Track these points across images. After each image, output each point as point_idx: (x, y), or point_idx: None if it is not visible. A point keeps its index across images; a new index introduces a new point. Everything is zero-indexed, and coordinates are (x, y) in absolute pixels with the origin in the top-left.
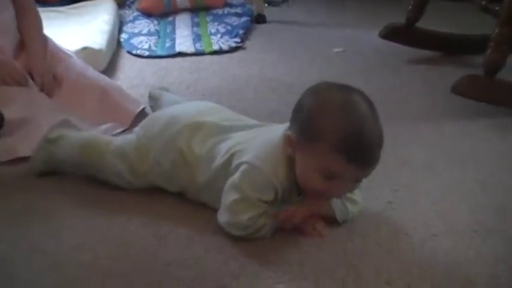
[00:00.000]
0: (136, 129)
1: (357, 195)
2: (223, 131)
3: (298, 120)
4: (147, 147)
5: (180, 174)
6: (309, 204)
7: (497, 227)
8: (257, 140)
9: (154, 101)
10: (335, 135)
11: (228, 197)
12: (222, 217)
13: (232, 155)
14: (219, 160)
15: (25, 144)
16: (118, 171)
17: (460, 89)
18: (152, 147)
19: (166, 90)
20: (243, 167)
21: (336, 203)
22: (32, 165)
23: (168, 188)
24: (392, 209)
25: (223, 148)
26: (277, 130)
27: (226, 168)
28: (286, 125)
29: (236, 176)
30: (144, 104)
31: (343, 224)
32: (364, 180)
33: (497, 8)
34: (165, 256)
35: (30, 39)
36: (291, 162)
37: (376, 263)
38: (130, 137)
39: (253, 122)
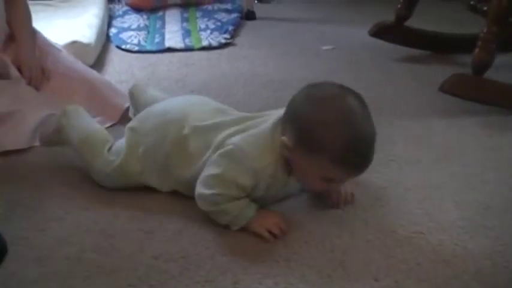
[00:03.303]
0: (129, 126)
1: None
2: (215, 124)
3: (295, 128)
4: (137, 144)
5: (173, 168)
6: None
7: (484, 223)
8: (249, 131)
9: (133, 99)
10: (335, 149)
11: (207, 171)
12: (198, 187)
13: (221, 146)
14: (208, 154)
15: (12, 138)
16: (109, 172)
17: (448, 88)
18: (144, 143)
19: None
20: (229, 147)
21: None
22: (41, 135)
23: (160, 187)
24: (380, 205)
25: (214, 141)
26: (267, 121)
27: None
28: (276, 115)
29: (220, 153)
30: None
31: (331, 220)
32: None
33: (485, 7)
34: (152, 250)
35: (19, 33)
36: (280, 154)
37: (364, 259)
38: (122, 140)
39: (244, 114)
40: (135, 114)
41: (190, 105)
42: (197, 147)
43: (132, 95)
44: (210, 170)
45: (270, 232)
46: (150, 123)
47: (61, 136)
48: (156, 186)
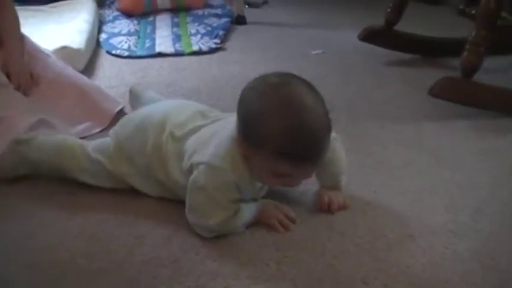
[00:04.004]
0: (112, 130)
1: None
2: (191, 130)
3: (239, 122)
4: (121, 148)
5: (155, 172)
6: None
7: (474, 226)
8: (216, 135)
9: (134, 97)
10: (276, 142)
11: (194, 197)
12: (191, 217)
13: (194, 153)
14: (186, 160)
15: (1, 144)
16: (95, 173)
17: (437, 91)
18: (125, 147)
19: (147, 89)
20: (202, 167)
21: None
22: (0, 169)
23: (149, 192)
24: (370, 209)
25: (190, 145)
26: (233, 123)
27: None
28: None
29: (197, 177)
30: (123, 103)
31: (322, 224)
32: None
33: (473, 11)
34: (142, 255)
35: (7, 38)
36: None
37: (354, 262)
38: (105, 139)
39: (223, 115)
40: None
41: (170, 110)
42: (173, 154)
43: (133, 94)
44: (197, 197)
45: (281, 223)
46: (130, 127)
47: (26, 164)
48: (144, 191)
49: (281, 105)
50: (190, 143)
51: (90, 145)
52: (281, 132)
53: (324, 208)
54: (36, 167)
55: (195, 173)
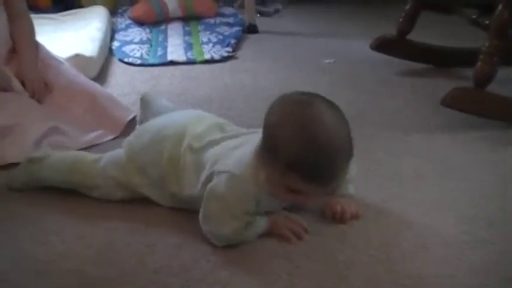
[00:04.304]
0: (126, 140)
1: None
2: (209, 143)
3: (263, 134)
4: (134, 158)
5: (169, 185)
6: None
7: (488, 238)
8: (240, 148)
9: (146, 105)
10: (288, 155)
11: (210, 205)
12: (205, 226)
13: (215, 162)
14: (207, 169)
15: (14, 151)
16: (108, 189)
17: (449, 102)
18: (139, 158)
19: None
20: (225, 175)
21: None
22: (11, 183)
23: (161, 202)
24: (382, 218)
25: (210, 156)
26: (259, 138)
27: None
28: None
29: (218, 184)
30: (135, 112)
31: (333, 235)
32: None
33: (486, 21)
34: (153, 263)
35: (22, 46)
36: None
37: (367, 273)
38: (118, 151)
39: (242, 130)
40: (142, 122)
41: (187, 121)
42: (191, 165)
43: (144, 102)
44: (214, 205)
45: (293, 232)
46: (145, 138)
47: (39, 181)
48: (156, 200)
49: (301, 121)
50: (210, 154)
51: (103, 160)
52: (295, 146)
53: (337, 218)
54: (48, 183)
55: (215, 180)
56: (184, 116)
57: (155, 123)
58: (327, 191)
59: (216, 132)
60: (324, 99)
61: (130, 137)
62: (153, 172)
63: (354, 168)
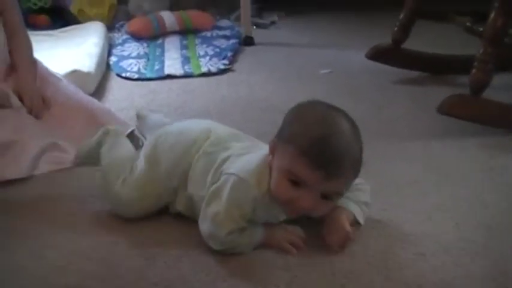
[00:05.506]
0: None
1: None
2: (224, 146)
3: (282, 123)
4: (158, 160)
5: (189, 185)
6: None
7: (485, 245)
8: (249, 154)
9: (141, 121)
10: (303, 139)
11: (211, 205)
12: (203, 225)
13: (223, 163)
14: (213, 169)
15: (12, 168)
16: (129, 201)
17: (445, 109)
18: (164, 159)
19: (154, 112)
20: (228, 177)
21: (351, 206)
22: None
23: (173, 204)
24: (380, 227)
25: (221, 158)
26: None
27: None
28: None
29: (222, 185)
30: (133, 126)
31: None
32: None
33: (481, 28)
34: (153, 276)
35: (20, 62)
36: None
37: (365, 282)
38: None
39: (255, 140)
40: (142, 135)
41: (211, 127)
42: (202, 167)
43: (140, 118)
44: (214, 206)
45: (292, 244)
46: (170, 140)
47: (96, 153)
48: (172, 202)
49: (323, 116)
50: (221, 157)
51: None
52: (312, 134)
53: (343, 241)
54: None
55: (221, 181)
56: (206, 122)
57: (178, 127)
58: (329, 188)
59: (235, 140)
60: (347, 114)
61: (153, 141)
62: (173, 177)
63: (366, 194)
